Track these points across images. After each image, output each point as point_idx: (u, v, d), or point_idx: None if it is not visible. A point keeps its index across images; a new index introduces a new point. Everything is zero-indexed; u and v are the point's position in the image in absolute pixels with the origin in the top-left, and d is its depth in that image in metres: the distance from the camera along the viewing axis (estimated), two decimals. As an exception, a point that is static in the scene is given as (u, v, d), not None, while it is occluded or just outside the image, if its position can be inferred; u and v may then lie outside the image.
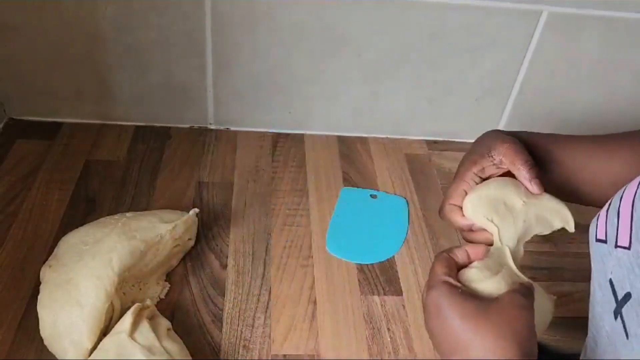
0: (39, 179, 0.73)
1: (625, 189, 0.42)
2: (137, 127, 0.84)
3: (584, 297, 0.67)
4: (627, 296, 0.38)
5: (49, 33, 0.75)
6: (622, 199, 0.41)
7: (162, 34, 0.76)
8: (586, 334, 0.65)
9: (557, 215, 0.53)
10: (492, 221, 0.50)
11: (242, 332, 0.59)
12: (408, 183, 0.81)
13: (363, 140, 0.87)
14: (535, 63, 0.81)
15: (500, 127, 0.88)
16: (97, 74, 0.79)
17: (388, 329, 0.61)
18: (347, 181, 0.79)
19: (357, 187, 0.79)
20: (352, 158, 0.84)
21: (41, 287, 0.56)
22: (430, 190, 0.80)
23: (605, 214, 0.43)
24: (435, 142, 0.89)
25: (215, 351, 0.57)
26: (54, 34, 0.75)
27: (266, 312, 0.61)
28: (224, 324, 0.60)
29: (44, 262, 0.59)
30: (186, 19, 0.75)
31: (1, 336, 0.56)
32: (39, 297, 0.55)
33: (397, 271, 0.68)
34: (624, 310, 0.38)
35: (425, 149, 0.88)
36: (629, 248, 0.39)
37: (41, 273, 0.58)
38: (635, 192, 0.40)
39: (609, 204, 0.43)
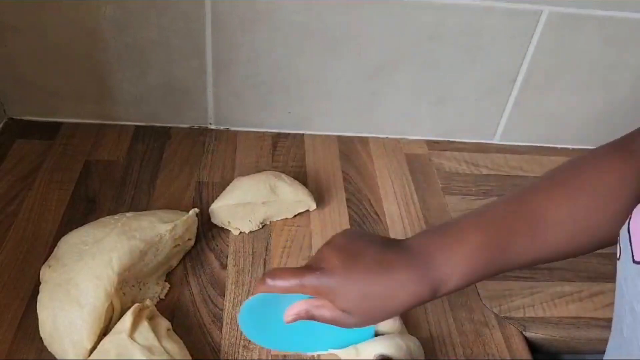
0: (39, 179, 0.73)
1: None
2: (137, 127, 0.84)
3: (584, 297, 0.68)
4: None
5: (49, 33, 0.75)
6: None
7: (162, 34, 0.76)
8: (585, 334, 0.65)
9: None
10: None
11: (242, 332, 0.59)
12: (408, 183, 0.81)
13: (363, 140, 0.88)
14: (535, 63, 0.81)
15: (500, 127, 0.89)
16: (97, 74, 0.79)
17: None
18: (347, 181, 0.79)
19: (358, 186, 0.78)
20: (352, 158, 0.84)
21: (41, 287, 0.56)
22: (430, 190, 0.80)
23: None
24: (435, 142, 0.89)
25: (215, 351, 0.57)
26: (54, 34, 0.75)
27: (266, 312, 0.61)
28: (224, 324, 0.60)
29: (43, 262, 0.59)
30: (186, 19, 0.75)
31: (1, 336, 0.56)
32: (38, 297, 0.55)
33: (397, 271, 0.68)
34: None
35: (425, 149, 0.88)
36: None
37: (41, 273, 0.58)
38: None
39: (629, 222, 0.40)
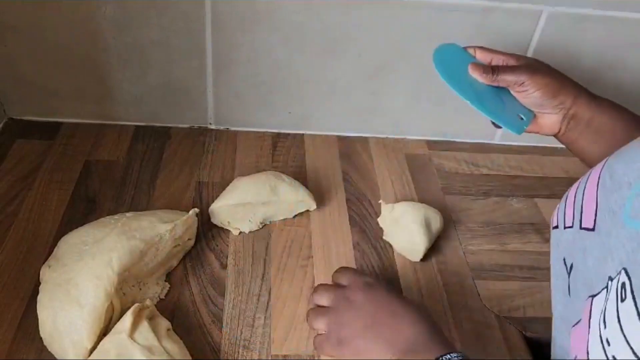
0: (39, 179, 0.73)
1: (578, 183, 0.47)
2: (137, 127, 0.84)
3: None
4: (571, 267, 0.45)
5: (49, 33, 0.75)
6: (570, 190, 0.48)
7: (162, 34, 0.76)
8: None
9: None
10: None
11: (242, 332, 0.59)
12: (408, 183, 0.81)
13: (363, 140, 0.88)
14: (535, 63, 0.81)
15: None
16: (97, 74, 0.79)
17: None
18: (347, 181, 0.79)
19: (357, 187, 0.79)
20: (352, 158, 0.84)
21: (41, 287, 0.56)
22: (430, 190, 0.80)
23: (561, 205, 0.49)
24: (435, 142, 0.89)
25: (215, 351, 0.57)
26: (54, 34, 0.75)
27: (266, 312, 0.61)
28: (224, 324, 0.60)
29: (43, 262, 0.59)
30: (186, 19, 0.75)
31: (1, 336, 0.56)
32: (38, 297, 0.55)
33: (397, 271, 0.68)
34: (571, 279, 0.44)
35: (425, 149, 0.88)
36: (572, 226, 0.46)
37: (41, 273, 0.58)
38: (579, 183, 0.47)
39: (566, 197, 0.49)
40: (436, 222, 0.70)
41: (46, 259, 0.59)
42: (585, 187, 0.45)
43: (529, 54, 0.80)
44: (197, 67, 0.79)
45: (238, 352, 0.57)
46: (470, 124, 0.89)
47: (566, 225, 0.47)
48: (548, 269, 0.70)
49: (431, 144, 0.89)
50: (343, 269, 0.60)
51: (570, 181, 0.84)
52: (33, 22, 0.74)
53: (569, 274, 0.46)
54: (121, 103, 0.82)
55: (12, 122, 0.82)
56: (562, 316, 0.48)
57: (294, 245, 0.69)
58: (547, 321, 0.64)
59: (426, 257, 0.69)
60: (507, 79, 0.62)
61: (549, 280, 0.69)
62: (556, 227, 0.49)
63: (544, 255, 0.72)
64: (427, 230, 0.68)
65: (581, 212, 0.45)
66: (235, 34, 0.76)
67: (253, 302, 0.62)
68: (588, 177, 0.45)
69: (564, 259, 0.47)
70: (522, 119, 0.65)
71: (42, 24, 0.74)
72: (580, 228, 0.44)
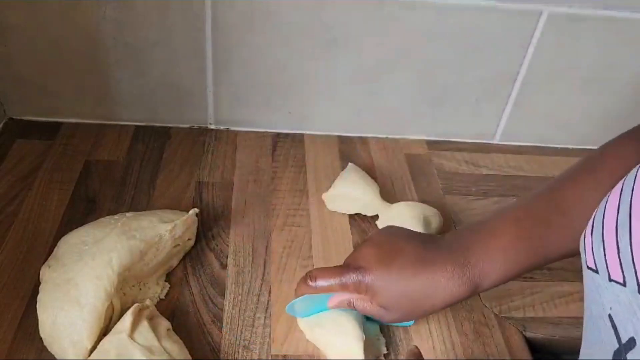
0: (38, 179, 0.73)
1: (606, 205, 0.37)
2: (137, 127, 0.84)
3: (584, 297, 0.68)
4: (632, 342, 0.33)
5: (48, 33, 0.75)
6: (605, 219, 0.36)
7: (162, 34, 0.76)
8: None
9: None
10: None
11: (242, 332, 0.59)
12: (408, 183, 0.81)
13: (363, 140, 0.87)
14: (535, 63, 0.81)
15: (500, 127, 0.89)
16: (97, 74, 0.79)
17: (388, 329, 0.61)
18: (347, 181, 0.79)
19: None
20: (352, 158, 0.84)
21: (41, 287, 0.56)
22: (430, 190, 0.80)
23: (590, 237, 0.38)
24: (435, 142, 0.89)
25: (215, 351, 0.57)
26: (54, 33, 0.75)
27: (266, 312, 0.61)
28: (224, 324, 0.60)
29: (43, 262, 0.59)
30: (186, 19, 0.75)
31: (1, 336, 0.56)
32: (38, 297, 0.55)
33: (397, 271, 0.68)
34: (629, 356, 0.33)
35: (425, 149, 0.88)
36: (624, 284, 0.33)
37: (41, 273, 0.58)
38: (618, 212, 0.35)
39: (592, 226, 0.38)
40: (435, 221, 0.70)
41: (46, 259, 0.59)
42: (632, 228, 0.33)
43: (529, 54, 0.80)
44: (197, 67, 0.79)
45: (238, 352, 0.57)
46: (470, 124, 0.89)
47: (612, 278, 0.35)
48: (548, 268, 0.70)
49: (431, 144, 0.89)
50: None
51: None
52: (33, 22, 0.74)
53: (623, 344, 0.34)
54: (121, 103, 0.82)
55: (12, 122, 0.82)
56: None
57: (294, 245, 0.69)
58: (547, 321, 0.65)
59: (426, 257, 0.69)
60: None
61: (548, 280, 0.69)
62: (594, 270, 0.37)
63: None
64: (426, 228, 0.68)
65: (634, 268, 0.32)
66: (235, 34, 0.76)
67: (253, 302, 0.62)
68: (631, 210, 0.34)
69: (611, 318, 0.35)
70: None
71: (42, 24, 0.74)
72: None
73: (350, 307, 0.53)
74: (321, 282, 0.52)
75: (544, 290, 0.68)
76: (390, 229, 0.56)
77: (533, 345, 0.64)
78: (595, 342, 0.38)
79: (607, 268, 0.35)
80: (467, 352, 0.60)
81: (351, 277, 0.51)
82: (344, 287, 0.51)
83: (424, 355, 0.59)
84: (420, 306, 0.51)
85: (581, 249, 0.40)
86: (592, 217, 0.39)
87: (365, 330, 0.56)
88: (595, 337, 0.38)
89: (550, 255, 0.52)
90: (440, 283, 0.50)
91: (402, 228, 0.56)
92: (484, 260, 0.50)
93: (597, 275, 0.36)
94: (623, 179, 0.37)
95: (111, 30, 0.75)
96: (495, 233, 0.51)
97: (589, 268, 0.37)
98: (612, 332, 0.35)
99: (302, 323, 0.59)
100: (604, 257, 0.35)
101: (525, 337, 0.63)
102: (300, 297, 0.55)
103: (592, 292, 0.38)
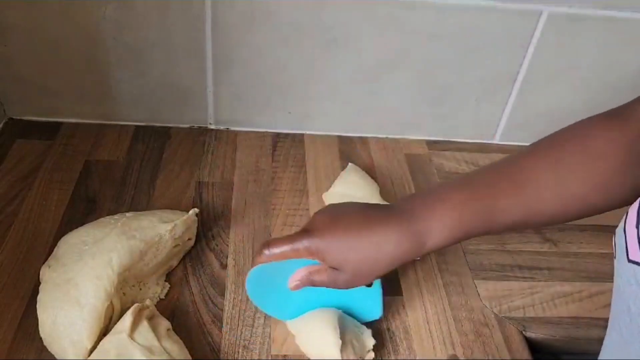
0: (39, 179, 0.73)
1: None
2: (137, 127, 0.84)
3: (584, 297, 0.68)
4: None
5: (48, 33, 0.75)
6: None
7: (162, 34, 0.76)
8: (585, 334, 0.65)
9: None
10: None
11: (242, 332, 0.59)
12: (408, 183, 0.81)
13: (363, 140, 0.87)
14: (535, 63, 0.81)
15: (500, 127, 0.89)
16: (97, 74, 0.79)
17: (388, 329, 0.61)
18: (347, 181, 0.79)
19: None
20: (352, 158, 0.83)
21: (41, 287, 0.56)
22: (430, 190, 0.80)
23: (635, 230, 0.36)
24: (435, 142, 0.89)
25: (215, 351, 0.57)
26: (54, 33, 0.75)
27: (266, 312, 0.61)
28: (224, 324, 0.60)
29: (43, 262, 0.59)
30: (186, 19, 0.75)
31: (1, 336, 0.56)
32: (38, 297, 0.55)
33: (397, 271, 0.68)
34: None
35: (425, 149, 0.88)
36: None
37: (41, 273, 0.58)
38: None
39: (638, 218, 0.37)
40: None
41: (46, 259, 0.59)
42: None
43: (529, 54, 0.80)
44: (197, 67, 0.79)
45: (238, 352, 0.57)
46: (470, 124, 0.89)
47: None
48: (548, 268, 0.71)
49: (431, 144, 0.89)
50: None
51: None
52: (33, 22, 0.74)
53: None
54: (121, 103, 0.82)
55: (12, 122, 0.82)
56: None
57: (294, 245, 0.69)
58: (547, 321, 0.65)
59: (426, 256, 0.69)
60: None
61: (548, 280, 0.69)
62: (637, 263, 0.36)
63: (544, 255, 0.72)
64: None
65: None
66: (235, 34, 0.76)
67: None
68: None
69: None
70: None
71: (42, 24, 0.74)
72: None
73: (308, 282, 0.54)
74: (274, 249, 0.53)
75: (544, 290, 0.68)
76: (342, 202, 0.57)
77: (533, 345, 0.64)
78: (630, 337, 0.37)
79: None
80: (467, 352, 0.60)
81: (302, 242, 0.52)
82: (295, 252, 0.52)
83: (424, 355, 0.59)
84: (369, 262, 0.51)
85: (619, 242, 0.39)
86: (635, 210, 0.37)
87: (345, 330, 0.56)
88: (632, 333, 0.37)
89: (496, 222, 0.51)
90: (385, 237, 0.50)
91: (353, 201, 0.57)
92: (429, 219, 0.50)
93: (637, 266, 0.35)
94: None
95: (111, 30, 0.75)
96: (441, 196, 0.52)
97: (630, 261, 0.36)
98: None
99: (291, 327, 0.59)
100: None
101: (525, 337, 0.63)
102: (256, 267, 0.54)
103: (632, 286, 0.36)
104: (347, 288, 0.54)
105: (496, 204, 0.50)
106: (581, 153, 0.51)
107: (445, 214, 0.50)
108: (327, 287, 0.54)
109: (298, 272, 0.54)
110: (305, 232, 0.53)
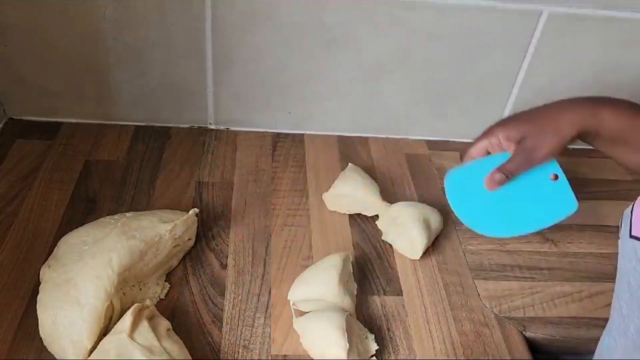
0: (39, 179, 0.73)
1: None
2: (137, 127, 0.84)
3: (584, 297, 0.68)
4: None
5: (48, 33, 0.75)
6: None
7: (162, 34, 0.76)
8: (585, 334, 0.65)
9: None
10: None
11: (242, 332, 0.59)
12: (408, 183, 0.81)
13: (363, 140, 0.87)
14: (535, 63, 0.81)
15: (500, 127, 0.89)
16: (97, 74, 0.79)
17: (388, 329, 0.61)
18: (347, 181, 0.79)
19: None
20: (352, 158, 0.83)
21: (41, 287, 0.56)
22: (430, 190, 0.80)
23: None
24: (435, 142, 0.89)
25: (215, 351, 0.57)
26: (53, 33, 0.75)
27: (266, 312, 0.61)
28: (224, 324, 0.60)
29: (43, 262, 0.59)
30: (186, 19, 0.75)
31: (1, 336, 0.56)
32: (38, 297, 0.55)
33: (397, 271, 0.68)
34: None
35: (425, 149, 0.88)
36: None
37: (41, 273, 0.58)
38: None
39: None
40: (435, 221, 0.70)
41: (46, 259, 0.59)
42: None
43: (529, 54, 0.80)
44: (197, 67, 0.79)
45: (238, 352, 0.57)
46: (470, 124, 0.88)
47: None
48: (548, 268, 0.70)
49: (431, 144, 0.89)
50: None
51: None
52: (33, 22, 0.74)
53: None
54: (121, 103, 0.82)
55: (12, 122, 0.82)
56: (635, 342, 0.41)
57: (294, 245, 0.69)
58: (547, 321, 0.65)
59: (426, 256, 0.69)
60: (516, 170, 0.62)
61: (548, 280, 0.69)
62: (638, 238, 0.40)
63: (544, 255, 0.72)
64: (425, 227, 0.68)
65: None
66: (235, 34, 0.76)
67: (253, 302, 0.62)
68: None
69: None
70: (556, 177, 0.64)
71: (42, 24, 0.74)
72: None
73: (501, 176, 0.61)
74: (471, 149, 0.64)
75: (544, 290, 0.68)
76: None
77: (533, 345, 0.64)
78: (630, 311, 0.39)
79: None
80: (467, 352, 0.60)
81: (492, 128, 0.62)
82: (488, 136, 0.63)
83: (424, 355, 0.59)
84: (550, 121, 0.59)
85: (624, 221, 0.42)
86: None
87: (351, 333, 0.56)
88: (631, 306, 0.39)
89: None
90: (564, 107, 0.60)
91: None
92: (606, 100, 0.59)
93: (638, 242, 0.39)
94: None
95: (111, 30, 0.75)
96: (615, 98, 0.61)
97: (632, 237, 0.40)
98: None
99: (297, 326, 0.59)
100: None
101: (525, 337, 0.63)
102: (452, 170, 0.64)
103: (632, 261, 0.40)
104: (537, 157, 0.60)
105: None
106: None
107: (617, 103, 0.59)
108: (521, 167, 0.60)
109: (491, 172, 0.61)
110: (494, 125, 0.63)
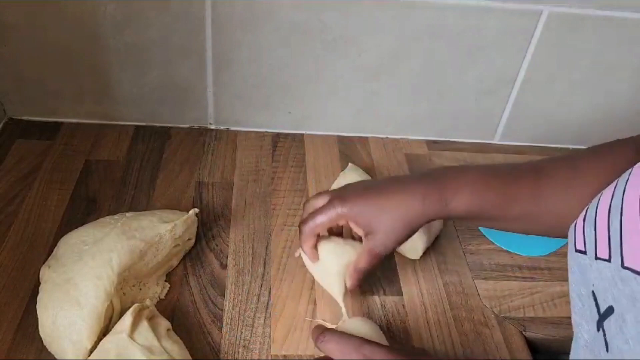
0: (39, 179, 0.73)
1: (600, 198, 0.41)
2: (137, 127, 0.84)
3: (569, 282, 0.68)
4: (610, 310, 0.37)
5: (48, 33, 0.75)
6: (598, 209, 0.41)
7: (162, 33, 0.76)
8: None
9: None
10: None
11: (242, 332, 0.59)
12: (408, 183, 0.81)
13: (363, 140, 0.88)
14: (535, 63, 0.81)
15: (500, 127, 0.89)
16: (97, 74, 0.79)
17: (388, 329, 0.61)
18: (348, 182, 0.79)
19: None
20: (352, 158, 0.84)
21: (41, 287, 0.56)
22: (430, 190, 0.80)
23: (582, 223, 0.42)
24: (435, 142, 0.89)
25: (215, 351, 0.57)
26: (53, 33, 0.75)
27: (266, 312, 0.61)
28: (224, 324, 0.60)
29: (43, 262, 0.59)
30: (186, 19, 0.75)
31: (1, 336, 0.56)
32: (38, 297, 0.55)
33: (397, 271, 0.68)
34: (606, 323, 0.38)
35: (425, 149, 0.88)
36: (609, 260, 0.38)
37: (41, 273, 0.58)
38: (610, 202, 0.40)
39: (585, 213, 0.43)
40: (435, 222, 0.70)
41: (46, 259, 0.59)
42: (623, 214, 0.37)
43: (529, 54, 0.80)
44: (197, 67, 0.79)
45: (238, 352, 0.57)
46: (470, 124, 0.89)
47: (599, 256, 0.39)
48: (548, 268, 0.71)
49: (431, 144, 0.89)
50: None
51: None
52: (33, 22, 0.74)
53: (601, 314, 0.39)
54: (121, 103, 0.82)
55: (12, 122, 0.82)
56: (588, 345, 0.42)
57: (294, 246, 0.69)
58: (547, 321, 0.65)
59: (426, 256, 0.69)
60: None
61: (548, 280, 0.69)
62: (582, 252, 0.42)
63: (544, 255, 0.72)
64: (425, 227, 0.67)
65: (621, 247, 0.37)
66: (235, 34, 0.76)
67: (253, 302, 0.62)
68: (623, 201, 0.38)
69: (594, 294, 0.40)
70: None
71: (42, 24, 0.74)
72: (623, 267, 0.36)
73: (359, 274, 0.57)
74: (310, 225, 0.57)
75: (544, 290, 0.68)
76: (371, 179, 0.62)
77: (533, 345, 0.64)
78: (582, 320, 0.42)
79: (596, 248, 0.40)
80: (467, 352, 0.60)
81: (336, 209, 0.55)
82: (331, 220, 0.56)
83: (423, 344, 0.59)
84: (398, 219, 0.54)
85: (570, 237, 0.44)
86: (584, 210, 0.43)
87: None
88: (583, 315, 0.42)
89: (513, 206, 0.54)
90: (413, 195, 0.54)
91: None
92: (453, 181, 0.54)
93: (585, 256, 0.41)
94: (617, 179, 0.41)
95: (111, 30, 0.75)
96: (466, 169, 0.57)
97: (577, 251, 0.42)
98: (594, 305, 0.40)
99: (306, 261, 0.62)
100: (594, 239, 0.40)
101: (525, 337, 0.63)
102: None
103: (578, 273, 0.42)
104: (386, 252, 0.56)
105: (516, 185, 0.54)
106: (602, 172, 0.53)
107: (467, 182, 0.54)
108: (371, 263, 0.56)
109: (350, 274, 0.58)
110: (338, 198, 0.56)
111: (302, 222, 0.57)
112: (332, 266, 0.59)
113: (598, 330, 0.39)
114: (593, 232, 0.40)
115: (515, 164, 0.59)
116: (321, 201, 0.58)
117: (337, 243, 0.60)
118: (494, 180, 0.55)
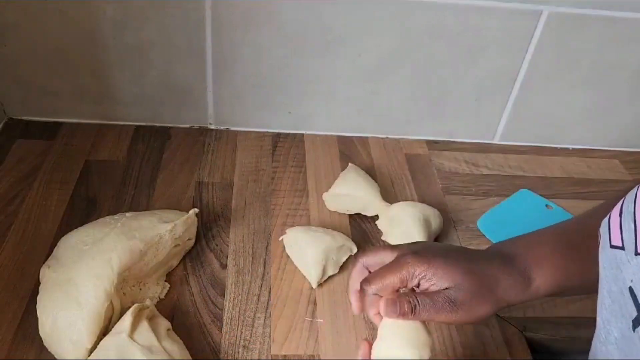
0: (39, 179, 0.73)
1: (637, 191, 0.39)
2: (137, 127, 0.84)
3: (584, 298, 0.68)
4: None
5: (48, 33, 0.75)
6: (637, 202, 0.38)
7: (162, 34, 0.76)
8: (585, 334, 0.65)
9: None
10: None
11: (242, 332, 0.59)
12: (408, 183, 0.81)
13: (363, 140, 0.87)
14: (535, 63, 0.81)
15: (500, 127, 0.89)
16: (97, 74, 0.79)
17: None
18: (347, 181, 0.79)
19: None
20: (352, 158, 0.84)
21: (40, 287, 0.56)
22: (430, 190, 0.80)
23: (618, 218, 0.39)
24: (435, 142, 0.89)
25: (215, 351, 0.57)
26: (53, 33, 0.75)
27: (266, 312, 0.61)
28: (224, 324, 0.60)
29: (43, 262, 0.59)
30: (186, 19, 0.75)
31: (1, 336, 0.56)
32: (38, 297, 0.55)
33: (397, 271, 0.68)
34: None
35: (425, 149, 0.88)
36: None
37: (40, 273, 0.58)
38: None
39: (621, 207, 0.40)
40: (435, 221, 0.70)
41: (46, 259, 0.59)
42: None
43: (529, 54, 0.80)
44: (197, 67, 0.79)
45: (238, 352, 0.57)
46: (470, 124, 0.89)
47: (639, 252, 0.37)
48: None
49: (431, 144, 0.89)
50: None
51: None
52: (33, 22, 0.74)
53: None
54: (121, 103, 0.82)
55: (12, 122, 0.82)
56: (618, 343, 0.40)
57: (294, 245, 0.69)
58: (547, 321, 0.65)
59: (426, 257, 0.69)
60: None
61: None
62: (619, 247, 0.39)
63: (544, 255, 0.72)
64: (424, 227, 0.68)
65: None
66: (235, 34, 0.76)
67: (253, 302, 0.62)
68: None
69: (632, 290, 0.37)
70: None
71: (42, 24, 0.74)
72: None
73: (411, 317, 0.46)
74: (376, 285, 0.46)
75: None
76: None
77: (533, 345, 0.64)
78: (612, 317, 0.39)
79: (636, 243, 0.37)
80: (467, 352, 0.60)
81: (407, 261, 0.45)
82: (403, 280, 0.45)
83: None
84: (486, 286, 0.46)
85: (603, 233, 0.41)
86: (620, 203, 0.40)
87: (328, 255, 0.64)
88: (613, 312, 0.39)
89: (588, 273, 0.48)
90: (498, 269, 0.47)
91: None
92: (531, 258, 0.48)
93: (623, 251, 0.38)
94: None
95: (111, 30, 0.75)
96: (541, 239, 0.50)
97: (612, 247, 0.39)
98: (632, 302, 0.36)
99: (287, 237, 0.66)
100: (634, 233, 0.37)
101: (525, 337, 0.63)
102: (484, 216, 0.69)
103: (613, 269, 0.39)
104: (462, 319, 0.45)
105: (586, 252, 0.48)
106: None
107: (547, 258, 0.48)
108: (435, 317, 0.45)
109: (400, 300, 0.45)
110: (407, 253, 0.46)
111: (365, 282, 0.47)
112: (310, 254, 0.63)
113: (634, 329, 0.36)
114: (633, 226, 0.37)
115: (571, 221, 0.55)
116: (384, 257, 0.49)
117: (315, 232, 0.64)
118: (569, 250, 0.49)
